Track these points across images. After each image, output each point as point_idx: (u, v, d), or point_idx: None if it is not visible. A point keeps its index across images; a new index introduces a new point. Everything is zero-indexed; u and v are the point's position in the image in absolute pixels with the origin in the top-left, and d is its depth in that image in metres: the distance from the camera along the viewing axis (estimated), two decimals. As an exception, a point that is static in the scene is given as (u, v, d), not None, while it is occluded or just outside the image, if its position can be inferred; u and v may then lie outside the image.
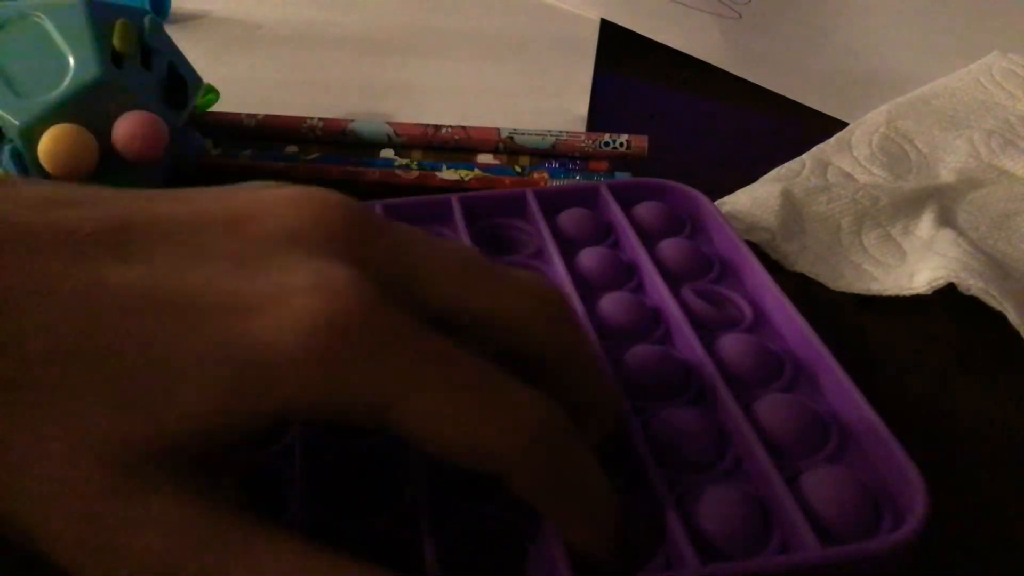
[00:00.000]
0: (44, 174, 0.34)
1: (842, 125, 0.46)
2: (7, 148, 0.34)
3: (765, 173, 0.41)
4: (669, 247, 0.32)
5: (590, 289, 0.30)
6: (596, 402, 0.21)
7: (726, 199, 0.38)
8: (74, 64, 0.34)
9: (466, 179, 0.39)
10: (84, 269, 0.16)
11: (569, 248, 0.32)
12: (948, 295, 0.33)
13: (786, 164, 0.42)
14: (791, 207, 0.38)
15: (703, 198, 0.35)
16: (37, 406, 0.15)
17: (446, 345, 0.17)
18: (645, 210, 0.34)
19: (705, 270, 0.32)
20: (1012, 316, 0.32)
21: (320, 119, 0.41)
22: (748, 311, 0.30)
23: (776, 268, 0.35)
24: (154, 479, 0.16)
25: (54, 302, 0.16)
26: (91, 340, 0.16)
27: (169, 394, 0.16)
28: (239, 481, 0.17)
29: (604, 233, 0.33)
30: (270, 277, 0.17)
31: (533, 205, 0.33)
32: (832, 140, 0.44)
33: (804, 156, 0.42)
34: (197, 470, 0.16)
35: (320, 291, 0.16)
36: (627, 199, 0.34)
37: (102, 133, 0.34)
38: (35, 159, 0.34)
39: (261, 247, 0.17)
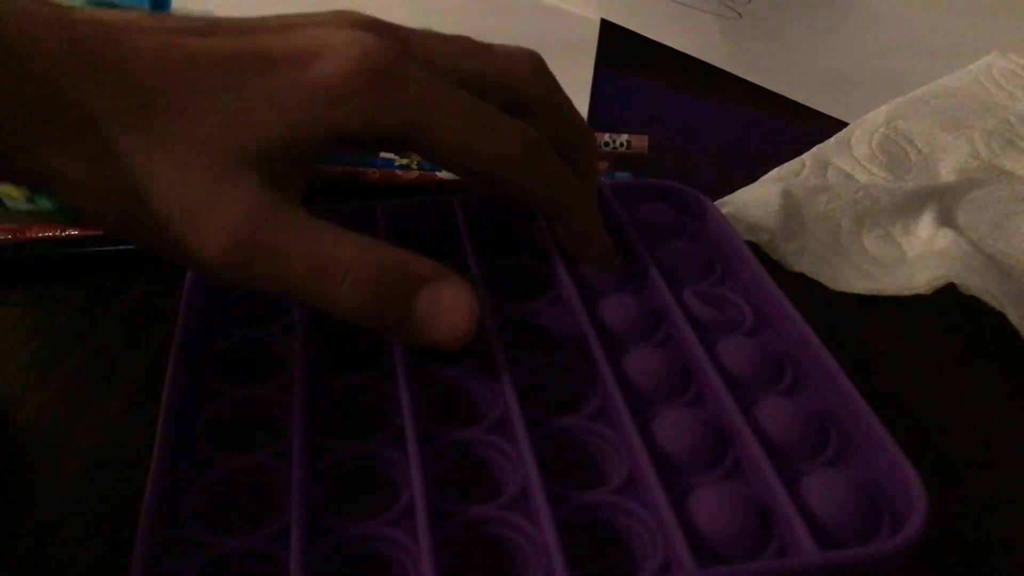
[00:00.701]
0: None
1: (842, 125, 0.45)
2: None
3: (765, 173, 0.41)
4: (671, 249, 0.32)
5: (592, 291, 0.30)
6: (576, 138, 0.28)
7: (726, 199, 0.38)
8: (73, 64, 0.34)
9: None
10: (186, 41, 0.23)
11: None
12: (948, 295, 0.33)
13: (786, 164, 0.42)
14: (791, 207, 0.38)
15: (705, 200, 0.34)
16: (165, 128, 0.22)
17: (454, 86, 0.25)
18: (647, 211, 0.34)
19: (707, 272, 0.32)
20: (1012, 316, 0.32)
21: (319, 119, 0.41)
22: (749, 313, 0.30)
23: (776, 268, 0.35)
24: (245, 173, 0.22)
25: (169, 58, 0.22)
26: (195, 80, 0.22)
27: (258, 115, 0.22)
28: (300, 191, 0.24)
29: (605, 234, 0.33)
30: (318, 40, 0.24)
31: (534, 205, 0.33)
32: (832, 140, 0.44)
33: (804, 156, 0.42)
34: (273, 173, 0.22)
35: (359, 44, 0.23)
36: (629, 200, 0.34)
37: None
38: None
39: (312, 30, 0.24)
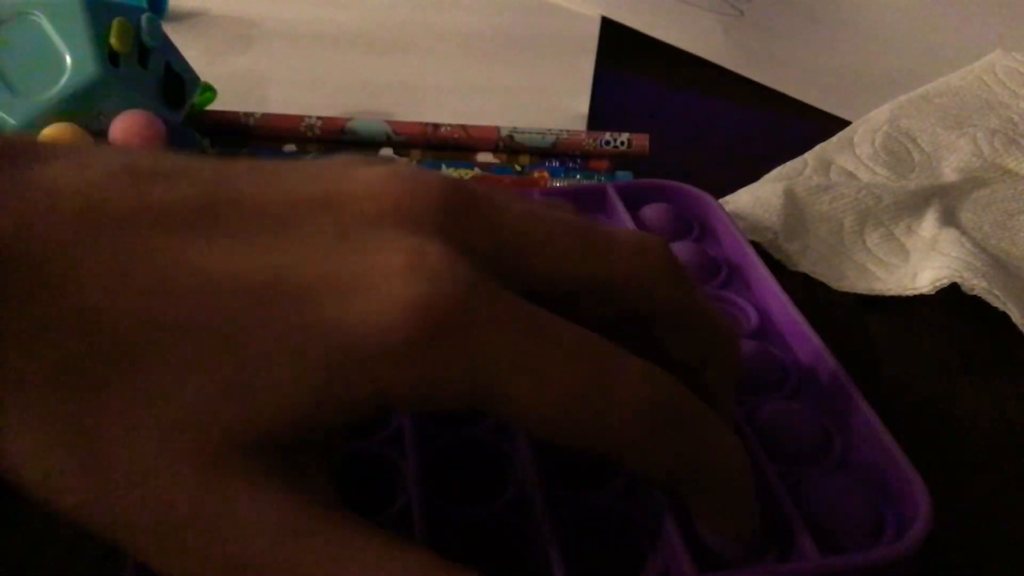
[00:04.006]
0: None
1: (844, 123, 0.45)
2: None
3: (767, 172, 0.41)
4: (676, 250, 0.32)
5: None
6: (716, 349, 0.21)
7: (728, 198, 0.38)
8: (71, 63, 0.34)
9: (466, 178, 0.39)
10: (172, 249, 0.15)
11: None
12: (951, 295, 0.33)
13: (788, 163, 0.41)
14: (793, 206, 0.37)
15: (711, 200, 0.34)
16: (123, 392, 0.15)
17: (548, 321, 0.17)
18: (652, 212, 0.34)
19: (712, 274, 0.31)
20: (1015, 316, 0.32)
21: (318, 118, 0.41)
22: (754, 316, 0.30)
23: (778, 268, 0.35)
24: (239, 471, 0.15)
25: (140, 283, 0.15)
26: (179, 323, 0.15)
27: (260, 381, 0.15)
28: (331, 472, 0.17)
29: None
30: (363, 258, 0.16)
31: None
32: (835, 139, 0.43)
33: (806, 155, 0.42)
34: (284, 461, 0.16)
35: (415, 273, 0.16)
36: (634, 200, 0.34)
37: (99, 132, 0.34)
38: (32, 159, 0.34)
39: (353, 227, 0.16)
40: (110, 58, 0.35)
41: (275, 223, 0.16)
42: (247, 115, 0.41)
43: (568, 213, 0.19)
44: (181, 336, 0.15)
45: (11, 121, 0.33)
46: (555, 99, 0.47)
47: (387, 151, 0.40)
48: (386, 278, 0.16)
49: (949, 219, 0.37)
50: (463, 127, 0.41)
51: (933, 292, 0.33)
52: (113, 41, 0.35)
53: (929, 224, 0.37)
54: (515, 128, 0.41)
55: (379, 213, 0.17)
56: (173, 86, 0.37)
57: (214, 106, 0.42)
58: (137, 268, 0.15)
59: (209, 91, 0.42)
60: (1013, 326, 0.32)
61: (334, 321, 0.15)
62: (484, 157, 0.41)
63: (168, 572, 0.15)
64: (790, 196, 0.38)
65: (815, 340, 0.27)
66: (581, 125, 0.45)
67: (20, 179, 0.15)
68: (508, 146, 0.41)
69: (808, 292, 0.34)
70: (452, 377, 0.16)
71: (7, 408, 0.15)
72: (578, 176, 0.39)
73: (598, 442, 0.17)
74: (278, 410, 0.15)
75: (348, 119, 0.41)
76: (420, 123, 0.41)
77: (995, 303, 0.32)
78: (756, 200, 0.37)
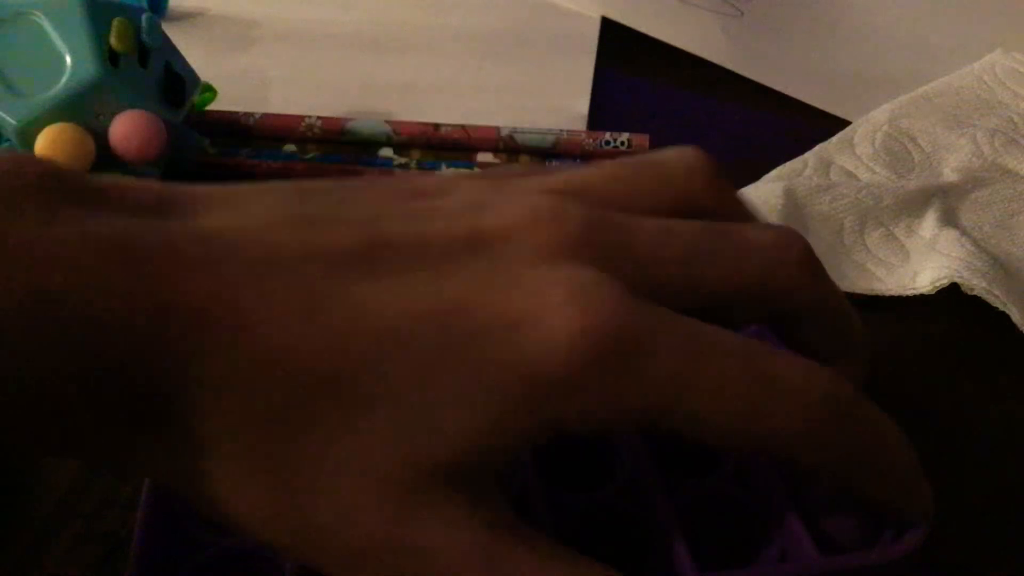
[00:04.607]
0: (41, 174, 0.34)
1: (844, 123, 0.45)
2: (4, 147, 0.34)
3: (767, 172, 0.41)
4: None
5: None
6: (849, 349, 0.21)
7: (727, 198, 0.38)
8: (71, 63, 0.34)
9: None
10: (345, 290, 0.16)
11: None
12: (951, 295, 0.33)
13: (788, 163, 0.41)
14: (793, 206, 0.37)
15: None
16: (318, 432, 0.16)
17: (708, 332, 0.17)
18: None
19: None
20: (1015, 316, 0.32)
21: (318, 118, 0.41)
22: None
23: (778, 268, 0.35)
24: (431, 500, 0.16)
25: (324, 324, 0.16)
26: (364, 360, 0.16)
27: (445, 414, 0.16)
28: (509, 493, 0.17)
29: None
30: (525, 293, 0.17)
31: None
32: (835, 139, 0.43)
33: (806, 155, 0.42)
34: (470, 488, 0.16)
35: (578, 303, 0.16)
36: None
37: (99, 132, 0.34)
38: (32, 159, 0.34)
39: (506, 263, 0.17)
40: (110, 58, 0.35)
41: (433, 263, 0.17)
42: (247, 115, 0.41)
43: (699, 222, 0.19)
44: (367, 372, 0.16)
45: (11, 121, 0.33)
46: (555, 99, 0.47)
47: (387, 151, 0.41)
48: (551, 310, 0.16)
49: (949, 219, 0.37)
50: (463, 127, 0.41)
51: (933, 292, 0.33)
52: (113, 41, 0.35)
53: (929, 224, 0.37)
54: (515, 128, 0.41)
55: (527, 247, 0.17)
56: (173, 86, 0.37)
57: (214, 106, 0.42)
58: (318, 310, 0.16)
59: (209, 91, 0.42)
60: (1013, 326, 0.32)
61: (509, 354, 0.16)
62: (484, 157, 0.41)
63: None
64: (790, 196, 0.38)
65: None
66: (581, 125, 0.45)
67: (192, 230, 0.16)
68: (508, 146, 0.41)
69: (808, 292, 0.34)
70: (627, 399, 0.16)
71: (221, 456, 0.16)
72: (578, 176, 0.39)
73: (773, 443, 0.18)
74: (463, 441, 0.16)
75: (348, 119, 0.41)
76: (420, 123, 0.41)
77: (995, 303, 0.32)
78: (756, 200, 0.37)
